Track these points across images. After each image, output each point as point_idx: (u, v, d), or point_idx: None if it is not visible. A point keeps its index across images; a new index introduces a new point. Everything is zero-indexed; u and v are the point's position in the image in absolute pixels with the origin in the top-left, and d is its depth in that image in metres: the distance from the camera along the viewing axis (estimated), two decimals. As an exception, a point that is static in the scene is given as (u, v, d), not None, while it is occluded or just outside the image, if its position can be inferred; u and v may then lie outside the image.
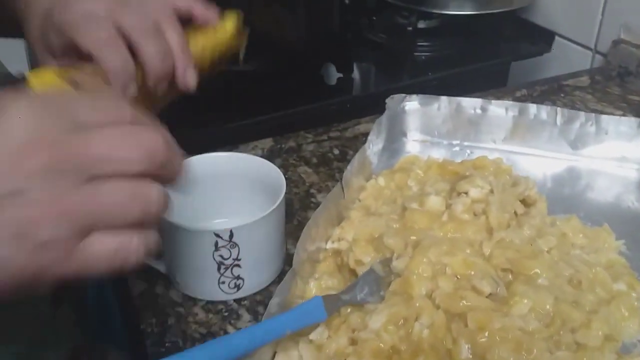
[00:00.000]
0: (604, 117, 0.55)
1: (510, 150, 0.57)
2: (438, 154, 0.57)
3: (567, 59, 0.79)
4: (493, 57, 0.77)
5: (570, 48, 0.79)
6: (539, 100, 0.68)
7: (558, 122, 0.56)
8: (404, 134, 0.59)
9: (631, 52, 0.71)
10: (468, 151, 0.58)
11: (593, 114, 0.56)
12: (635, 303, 0.41)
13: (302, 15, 0.67)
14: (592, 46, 0.77)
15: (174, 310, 0.43)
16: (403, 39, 0.77)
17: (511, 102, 0.57)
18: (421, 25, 0.78)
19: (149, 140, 0.27)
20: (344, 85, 0.73)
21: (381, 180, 0.52)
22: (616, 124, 0.55)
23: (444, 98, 0.58)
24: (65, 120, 0.26)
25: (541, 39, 0.80)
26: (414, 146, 0.59)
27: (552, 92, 0.69)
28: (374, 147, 0.55)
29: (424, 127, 0.59)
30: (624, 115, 0.62)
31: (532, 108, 0.56)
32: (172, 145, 0.28)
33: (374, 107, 0.66)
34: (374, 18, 0.82)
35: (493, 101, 0.57)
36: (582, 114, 0.56)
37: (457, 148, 0.58)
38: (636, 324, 0.40)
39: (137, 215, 0.26)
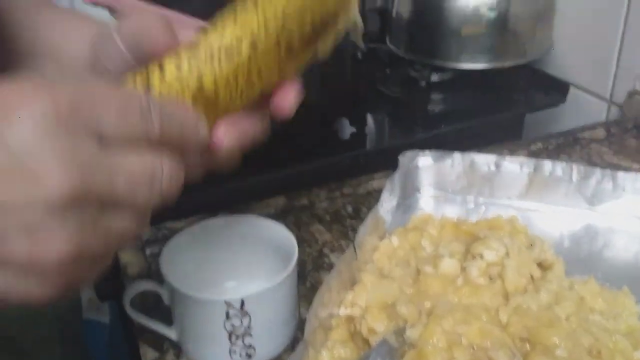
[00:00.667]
0: (620, 173, 0.55)
1: (526, 207, 0.56)
2: (452, 210, 0.57)
3: (582, 109, 0.78)
4: (507, 109, 0.77)
5: (586, 99, 0.79)
6: (554, 153, 0.67)
7: (574, 179, 0.55)
8: (418, 190, 0.59)
9: (647, 104, 0.71)
10: (483, 208, 0.57)
11: (609, 171, 0.55)
12: None
13: (315, 70, 0.68)
14: (608, 97, 0.77)
15: (185, 379, 0.42)
16: (416, 92, 0.77)
17: (526, 159, 0.56)
18: (434, 78, 0.78)
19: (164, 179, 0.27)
20: (357, 139, 0.73)
21: (395, 240, 0.51)
22: (633, 180, 0.54)
23: (457, 154, 0.57)
24: (85, 134, 0.24)
25: (556, 90, 0.79)
26: (428, 202, 0.58)
27: (567, 145, 0.69)
28: (387, 204, 0.54)
29: (437, 183, 0.58)
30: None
31: (547, 164, 0.56)
32: (180, 178, 0.28)
33: (387, 161, 0.66)
34: (387, 71, 0.83)
35: (507, 157, 0.57)
36: (598, 170, 0.55)
37: (471, 205, 0.58)
38: None
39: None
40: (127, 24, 0.32)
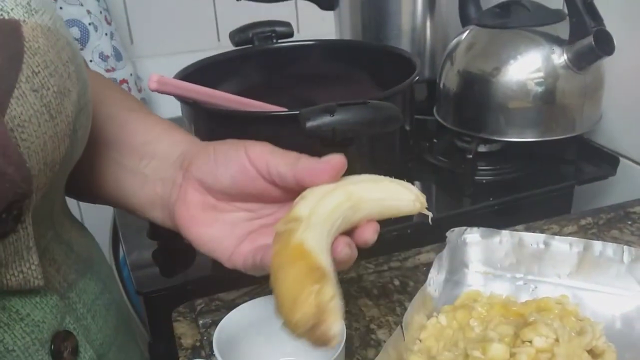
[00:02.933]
0: None
1: (576, 286, 0.56)
2: (501, 287, 0.57)
3: (632, 182, 0.78)
4: (556, 182, 0.77)
5: (636, 171, 0.78)
6: (605, 228, 0.67)
7: (625, 260, 0.55)
8: (466, 266, 0.59)
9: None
10: (532, 286, 0.57)
11: None
12: None
13: (365, 141, 0.70)
14: (658, 169, 0.76)
15: None
16: (463, 162, 0.78)
17: (575, 239, 0.56)
18: (482, 149, 0.79)
19: None
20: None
21: (442, 319, 0.51)
22: None
23: (505, 232, 0.58)
24: None
25: (606, 162, 0.79)
26: (477, 278, 0.59)
27: (618, 219, 0.68)
28: (435, 281, 0.55)
29: (486, 260, 0.59)
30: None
31: (598, 245, 0.55)
32: None
33: (435, 233, 0.67)
34: (435, 141, 0.84)
35: (556, 237, 0.57)
36: None
37: (520, 282, 0.58)
38: None
39: None
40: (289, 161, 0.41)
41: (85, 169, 0.46)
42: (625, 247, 0.55)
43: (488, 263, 0.59)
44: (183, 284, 0.65)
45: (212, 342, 0.45)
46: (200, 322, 0.57)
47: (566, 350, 0.44)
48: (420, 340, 0.50)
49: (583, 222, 0.68)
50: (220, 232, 0.43)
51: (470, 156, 0.77)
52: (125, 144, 0.48)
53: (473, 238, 0.59)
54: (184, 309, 0.58)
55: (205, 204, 0.44)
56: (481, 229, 0.59)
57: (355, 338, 0.54)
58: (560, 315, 0.50)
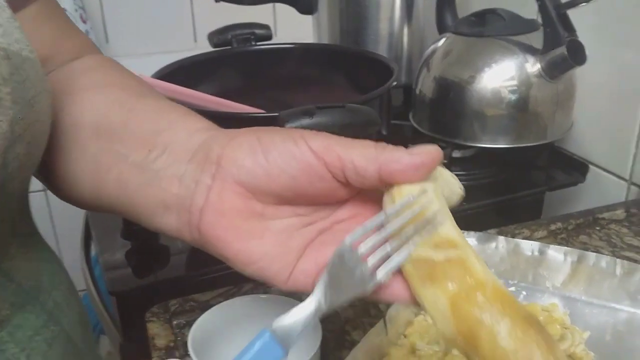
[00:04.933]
0: None
1: (569, 296, 0.56)
2: None
3: (601, 189, 0.80)
4: (527, 187, 0.79)
5: (605, 178, 0.80)
6: (574, 233, 0.68)
7: (617, 273, 0.56)
8: None
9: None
10: (524, 292, 0.58)
11: None
12: None
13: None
14: (627, 177, 0.78)
15: None
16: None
17: (570, 249, 0.57)
18: (456, 154, 0.81)
19: None
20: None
21: (429, 318, 0.51)
22: None
23: (501, 238, 0.59)
24: None
25: (575, 169, 0.81)
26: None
27: (587, 225, 0.70)
28: None
29: None
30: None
31: (591, 256, 0.56)
32: None
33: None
34: (410, 146, 0.85)
35: (552, 246, 0.58)
36: None
37: (512, 288, 0.58)
38: None
39: None
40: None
41: (78, 172, 0.39)
42: (618, 260, 0.56)
43: None
44: (156, 284, 0.64)
45: (186, 342, 0.44)
46: (174, 322, 0.56)
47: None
48: (405, 336, 0.50)
49: (553, 227, 0.69)
50: (274, 247, 0.34)
51: (445, 161, 0.78)
52: (131, 133, 0.38)
53: (469, 242, 0.59)
54: (157, 309, 0.57)
55: (249, 210, 0.34)
56: (478, 233, 0.59)
57: (330, 339, 0.54)
58: (545, 321, 0.51)
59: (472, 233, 0.59)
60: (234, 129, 0.36)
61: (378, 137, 0.80)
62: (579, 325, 0.52)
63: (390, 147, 0.33)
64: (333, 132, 0.52)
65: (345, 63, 0.84)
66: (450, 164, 0.79)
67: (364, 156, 0.32)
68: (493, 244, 0.59)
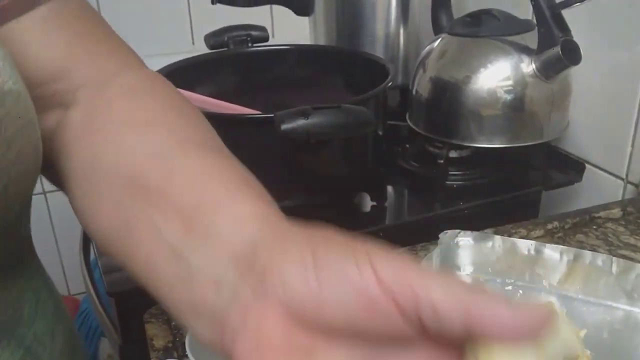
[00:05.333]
0: None
1: (565, 295, 0.57)
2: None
3: (598, 188, 0.80)
4: (524, 187, 0.79)
5: (602, 177, 0.81)
6: (571, 232, 0.68)
7: (614, 271, 0.56)
8: (457, 268, 0.59)
9: (662, 185, 0.72)
10: (520, 291, 0.58)
11: None
12: None
13: (338, 145, 0.71)
14: (624, 176, 0.78)
15: None
16: (435, 167, 0.80)
17: (566, 247, 0.58)
18: (453, 154, 0.81)
19: None
20: (377, 214, 0.75)
21: None
22: None
23: (497, 237, 0.59)
24: None
25: (572, 168, 0.81)
26: (467, 281, 0.59)
27: (583, 224, 0.70)
28: None
29: (477, 264, 0.59)
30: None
31: (588, 255, 0.57)
32: None
33: (407, 236, 0.68)
34: (407, 147, 0.86)
35: (548, 244, 0.58)
36: (638, 265, 0.55)
37: (509, 287, 0.58)
38: None
39: None
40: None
41: (104, 220, 0.33)
42: (614, 258, 0.56)
43: (479, 267, 0.59)
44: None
45: (184, 343, 0.45)
46: (173, 323, 0.56)
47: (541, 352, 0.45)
48: None
49: (550, 226, 0.69)
50: None
51: (442, 161, 0.78)
52: (169, 203, 0.30)
53: (466, 241, 0.59)
54: (155, 310, 0.58)
55: (292, 343, 0.25)
56: (474, 232, 0.59)
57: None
58: None
59: (468, 232, 0.59)
60: (288, 225, 0.28)
61: (375, 138, 0.81)
62: (576, 324, 0.52)
63: (483, 293, 0.24)
64: (329, 132, 0.52)
65: (341, 64, 0.84)
66: (447, 163, 0.80)
67: (447, 294, 0.24)
68: (489, 243, 0.59)
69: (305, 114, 0.50)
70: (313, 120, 0.49)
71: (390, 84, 0.69)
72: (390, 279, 0.24)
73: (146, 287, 0.32)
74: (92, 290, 0.80)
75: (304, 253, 0.26)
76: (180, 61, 0.79)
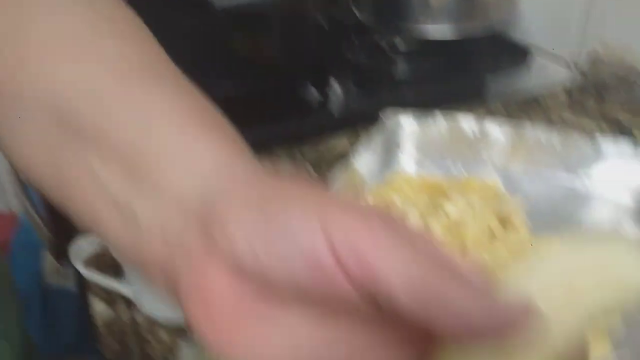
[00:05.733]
0: (601, 139, 0.54)
1: (507, 171, 0.56)
2: (433, 171, 0.56)
3: (544, 73, 0.79)
4: (470, 73, 0.78)
5: (548, 63, 0.80)
6: (515, 114, 0.68)
7: (555, 144, 0.55)
8: (399, 149, 0.58)
9: (608, 67, 0.72)
10: (463, 170, 0.57)
11: (590, 136, 0.55)
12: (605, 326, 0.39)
13: (277, 37, 0.68)
14: (569, 61, 0.78)
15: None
16: (382, 59, 0.78)
17: (508, 124, 0.56)
18: (400, 45, 0.79)
19: None
20: (322, 105, 0.73)
21: (369, 199, 0.50)
22: (614, 145, 0.54)
23: (440, 116, 0.57)
24: None
25: (518, 53, 0.80)
26: (409, 163, 0.58)
27: (529, 106, 0.69)
28: (364, 160, 0.53)
29: (419, 143, 0.58)
30: (601, 131, 0.62)
31: (529, 129, 0.56)
32: None
33: (352, 126, 0.66)
34: (353, 39, 0.83)
35: (490, 121, 0.57)
36: (578, 135, 0.55)
37: (452, 167, 0.57)
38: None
39: None
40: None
41: (33, 158, 0.28)
42: (557, 133, 0.55)
43: (421, 147, 0.58)
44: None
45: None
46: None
47: (477, 217, 0.45)
48: None
49: (493, 107, 0.69)
50: (268, 351, 0.23)
51: (389, 51, 0.76)
52: (107, 143, 0.26)
53: (407, 121, 0.58)
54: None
55: (240, 300, 0.23)
56: (416, 112, 0.57)
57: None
58: (479, 190, 0.50)
59: (409, 111, 0.57)
60: (246, 175, 0.24)
61: (317, 29, 0.77)
62: (518, 198, 0.52)
63: (451, 270, 0.20)
64: (268, 10, 0.48)
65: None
66: (394, 55, 0.78)
67: (407, 282, 0.20)
68: (431, 122, 0.57)
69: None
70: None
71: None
72: (344, 250, 0.20)
73: (90, 231, 0.28)
74: (29, 208, 0.77)
75: (252, 204, 0.23)
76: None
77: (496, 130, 0.57)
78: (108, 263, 0.44)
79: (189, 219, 0.24)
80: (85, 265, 0.42)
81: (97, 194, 0.26)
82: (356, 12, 0.82)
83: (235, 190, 0.24)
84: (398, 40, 0.78)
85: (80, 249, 0.42)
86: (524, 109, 0.69)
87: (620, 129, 0.65)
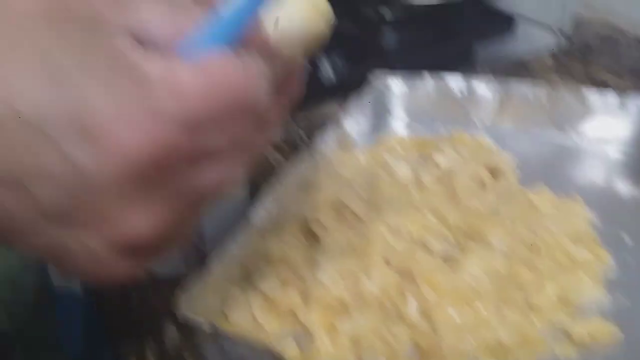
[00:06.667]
0: (589, 94, 0.55)
1: (496, 130, 0.57)
2: (423, 133, 0.56)
3: (530, 39, 0.80)
4: (457, 40, 0.78)
5: (533, 29, 0.81)
6: (502, 78, 0.68)
7: (544, 100, 0.56)
8: (389, 112, 0.58)
9: (593, 30, 0.73)
10: (453, 131, 0.57)
11: (579, 92, 0.55)
12: (598, 271, 0.40)
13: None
14: (554, 26, 0.78)
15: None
16: (369, 29, 0.78)
17: (496, 82, 0.57)
18: (387, 16, 0.79)
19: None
20: (311, 75, 0.73)
21: (361, 157, 0.51)
22: (602, 100, 0.54)
23: (428, 77, 0.58)
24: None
25: (503, 21, 0.81)
26: (399, 125, 0.58)
27: (516, 72, 0.70)
28: (353, 121, 0.54)
29: (408, 106, 0.58)
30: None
31: (517, 87, 0.56)
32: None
33: (342, 95, 0.67)
34: (340, 9, 0.83)
35: (478, 81, 0.57)
36: (567, 91, 0.55)
37: (442, 128, 0.58)
38: (597, 292, 0.39)
39: None
40: None
41: None
42: (545, 89, 0.56)
43: (411, 109, 0.58)
44: None
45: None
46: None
47: (468, 168, 0.46)
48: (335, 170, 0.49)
49: (482, 73, 0.69)
50: None
51: (376, 20, 0.76)
52: None
53: (396, 83, 0.58)
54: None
55: None
56: (405, 74, 0.58)
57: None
58: (469, 145, 0.51)
59: (398, 73, 0.58)
60: None
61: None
62: (508, 155, 0.52)
63: None
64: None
65: None
66: (381, 25, 0.78)
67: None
68: (420, 83, 0.58)
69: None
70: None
71: None
72: None
73: None
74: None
75: None
76: None
77: (483, 89, 0.57)
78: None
79: None
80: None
81: None
82: (343, -18, 0.82)
83: None
84: (384, 9, 0.78)
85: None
86: (511, 73, 0.70)
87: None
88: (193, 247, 0.41)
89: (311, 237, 0.40)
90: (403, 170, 0.46)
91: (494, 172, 0.48)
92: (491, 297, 0.36)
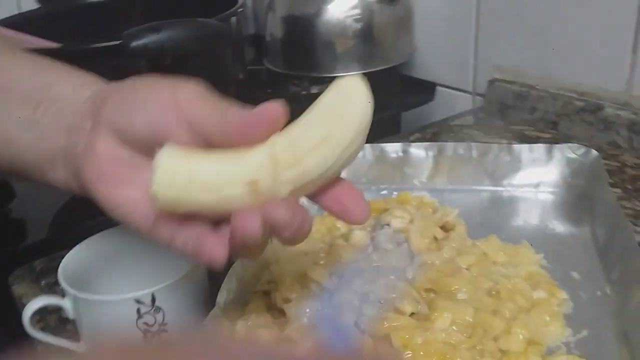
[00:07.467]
0: (515, 146, 0.59)
1: (435, 188, 0.60)
2: (367, 197, 0.58)
3: (450, 104, 0.85)
4: (385, 110, 0.82)
5: (452, 94, 0.86)
6: (432, 141, 0.72)
7: (474, 156, 0.59)
8: None
9: (506, 89, 0.78)
10: (395, 193, 0.59)
11: (505, 145, 0.59)
12: (556, 308, 0.42)
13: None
14: (471, 89, 0.84)
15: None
16: (298, 105, 0.80)
17: (429, 143, 0.60)
18: (314, 90, 0.82)
19: None
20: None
21: (314, 228, 0.51)
22: (527, 151, 0.59)
23: (367, 145, 0.60)
24: None
25: (424, 90, 0.86)
26: None
27: (442, 132, 0.74)
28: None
29: (352, 174, 0.59)
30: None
31: (449, 146, 0.60)
32: None
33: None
34: (269, 91, 0.85)
35: (413, 144, 0.60)
36: (495, 146, 0.59)
37: (384, 192, 0.60)
38: (559, 328, 0.41)
39: None
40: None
41: None
42: (473, 144, 0.59)
43: (354, 177, 0.59)
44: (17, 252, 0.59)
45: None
46: (43, 282, 0.52)
47: (420, 226, 0.47)
48: None
49: (412, 138, 0.73)
50: (139, 193, 0.32)
51: (305, 94, 0.79)
52: (12, 91, 0.36)
53: None
54: (21, 272, 0.52)
55: (118, 157, 0.33)
56: None
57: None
58: (417, 205, 0.53)
59: None
60: (122, 82, 0.35)
61: (235, 82, 0.79)
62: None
63: (238, 108, 0.31)
64: (185, 46, 0.50)
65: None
66: (310, 100, 0.80)
67: (214, 115, 0.31)
68: (360, 153, 0.60)
69: (156, 29, 0.47)
70: (166, 34, 0.47)
71: (240, 9, 0.68)
72: (185, 98, 0.31)
73: (6, 166, 0.37)
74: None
75: (126, 87, 0.34)
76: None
77: (419, 152, 0.60)
78: (58, 327, 0.41)
79: (86, 113, 0.34)
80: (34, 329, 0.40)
81: (11, 127, 0.36)
82: (268, 65, 0.85)
83: (112, 86, 0.35)
84: (311, 87, 0.81)
85: (28, 311, 0.40)
86: (437, 135, 0.74)
87: (528, 141, 0.71)
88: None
89: (279, 312, 0.40)
90: (359, 235, 0.47)
91: (444, 227, 0.49)
92: (466, 349, 0.37)
